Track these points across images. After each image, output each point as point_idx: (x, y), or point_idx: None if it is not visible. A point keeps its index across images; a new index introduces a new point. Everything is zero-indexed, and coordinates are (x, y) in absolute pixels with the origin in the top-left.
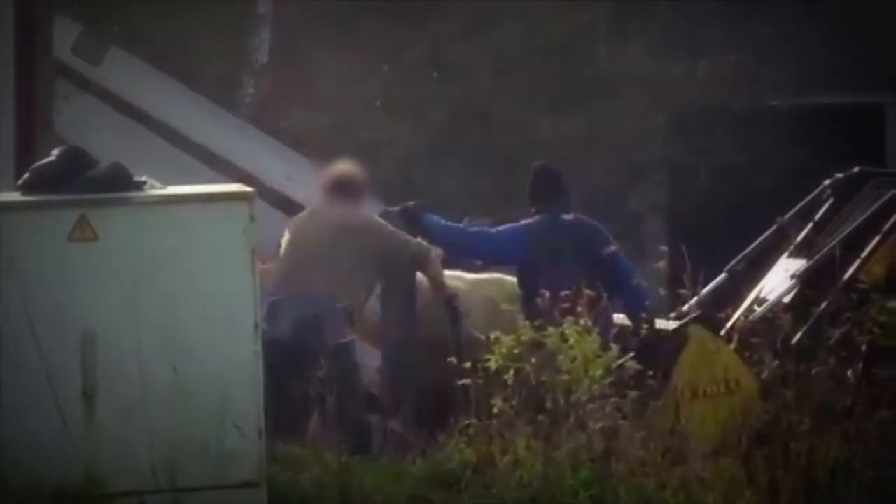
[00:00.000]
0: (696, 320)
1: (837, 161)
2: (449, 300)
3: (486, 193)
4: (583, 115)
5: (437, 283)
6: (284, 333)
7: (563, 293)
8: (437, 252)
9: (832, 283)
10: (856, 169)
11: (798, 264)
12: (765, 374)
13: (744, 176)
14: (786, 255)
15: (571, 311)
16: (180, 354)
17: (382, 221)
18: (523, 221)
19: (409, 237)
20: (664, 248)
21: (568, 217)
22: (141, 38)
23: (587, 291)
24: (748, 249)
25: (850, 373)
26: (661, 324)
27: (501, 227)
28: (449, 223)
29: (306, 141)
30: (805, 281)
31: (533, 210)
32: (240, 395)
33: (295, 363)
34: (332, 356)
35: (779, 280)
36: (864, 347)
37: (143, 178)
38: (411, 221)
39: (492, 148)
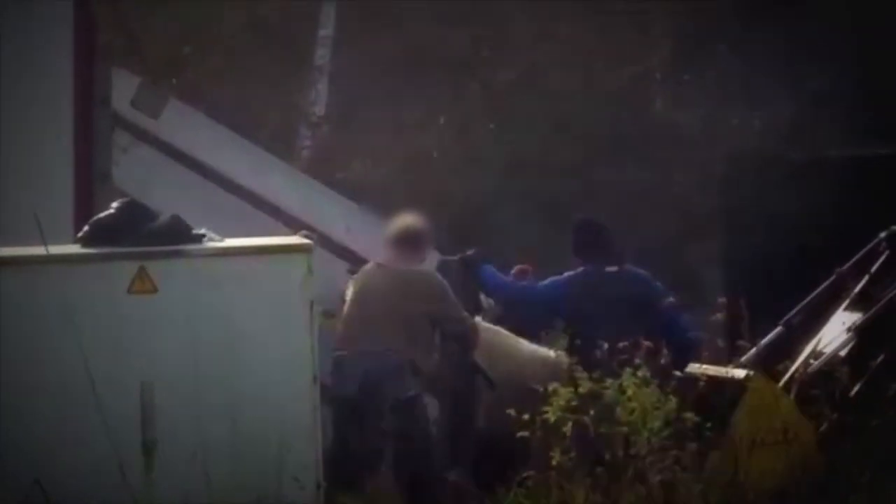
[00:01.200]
0: (754, 370)
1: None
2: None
3: (542, 243)
4: (639, 165)
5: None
6: (350, 389)
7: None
8: (488, 303)
9: (890, 336)
10: None
11: (855, 317)
12: (823, 426)
13: (801, 227)
14: (842, 307)
15: (629, 363)
16: (239, 406)
17: (446, 287)
18: (566, 274)
19: (466, 315)
20: (722, 299)
21: (612, 269)
22: (199, 90)
23: (645, 342)
24: (804, 302)
25: None
26: (718, 371)
27: (546, 281)
28: (501, 277)
29: (364, 192)
30: (862, 334)
31: (580, 263)
32: (298, 447)
33: (360, 418)
34: (398, 411)
35: (835, 333)
36: None
37: (202, 231)
38: (469, 271)
39: (548, 198)
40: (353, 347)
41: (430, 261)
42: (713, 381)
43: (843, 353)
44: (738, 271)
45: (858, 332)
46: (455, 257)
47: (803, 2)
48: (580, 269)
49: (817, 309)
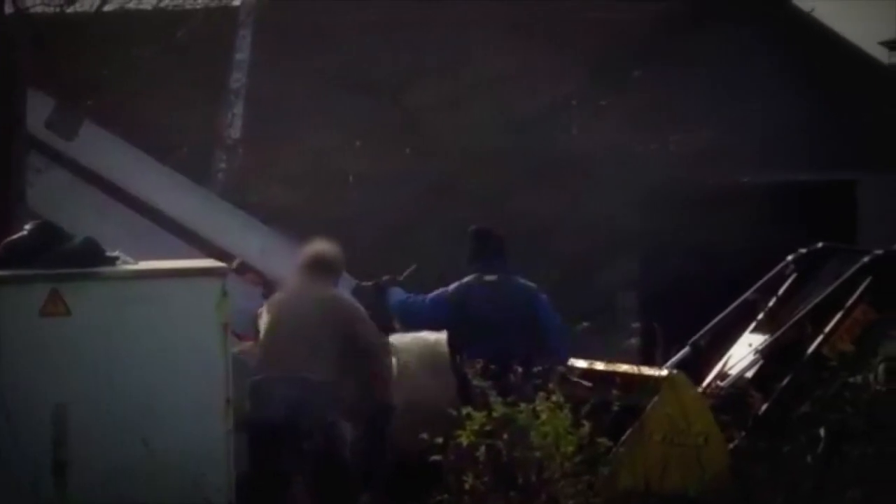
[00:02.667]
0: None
1: (809, 237)
2: (381, 401)
3: (458, 267)
4: (556, 191)
5: (379, 382)
6: (270, 413)
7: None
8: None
9: (796, 358)
10: (819, 244)
11: (762, 339)
12: (733, 444)
13: (716, 252)
14: (750, 329)
15: (544, 388)
16: (152, 428)
17: (359, 309)
18: (452, 285)
19: (379, 336)
20: (637, 324)
21: (491, 278)
22: (114, 112)
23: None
24: (711, 323)
25: (819, 450)
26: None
27: (433, 294)
28: (403, 296)
29: (279, 215)
30: (768, 356)
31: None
32: (211, 470)
33: (282, 443)
34: (318, 435)
35: (742, 354)
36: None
37: (116, 253)
38: (382, 295)
39: (465, 223)
40: (272, 372)
41: (345, 285)
42: (635, 378)
43: (749, 374)
44: (654, 296)
45: (764, 354)
46: (370, 283)
47: (718, 29)
48: (464, 279)
49: (725, 330)
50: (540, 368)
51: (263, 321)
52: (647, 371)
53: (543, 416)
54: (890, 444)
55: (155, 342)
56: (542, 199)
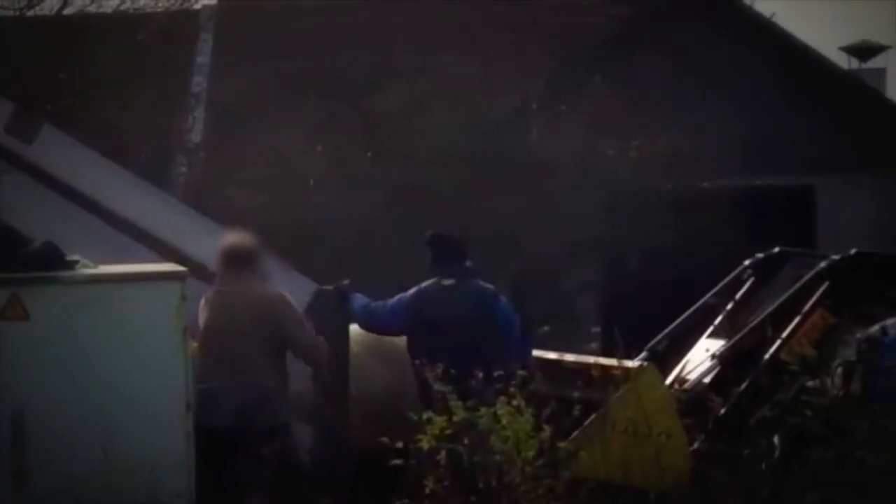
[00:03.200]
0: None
1: (769, 241)
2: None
3: (420, 272)
4: (516, 195)
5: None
6: (222, 420)
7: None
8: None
9: (754, 363)
10: (776, 249)
11: (719, 344)
12: (694, 446)
13: (676, 256)
14: (707, 334)
15: (504, 392)
16: (112, 433)
17: (293, 307)
18: (410, 290)
19: (314, 335)
20: (597, 328)
21: (449, 282)
22: (74, 116)
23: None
24: (669, 328)
25: (776, 455)
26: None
27: (393, 299)
28: (365, 301)
29: (240, 220)
30: (725, 360)
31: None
32: (171, 475)
33: (233, 449)
34: (271, 439)
35: (700, 359)
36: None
37: (75, 258)
38: (343, 300)
39: (427, 227)
40: (219, 378)
41: (306, 289)
42: (604, 369)
43: (707, 379)
44: (614, 300)
45: (721, 359)
46: (330, 287)
47: (679, 34)
48: (422, 284)
49: (683, 335)
50: (500, 372)
51: (201, 321)
52: (616, 363)
53: (504, 420)
54: (848, 448)
55: (114, 346)
56: (503, 203)
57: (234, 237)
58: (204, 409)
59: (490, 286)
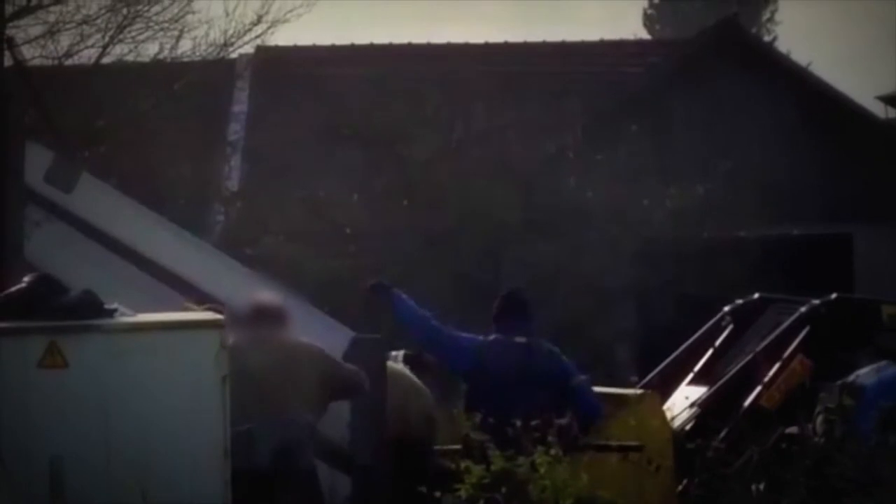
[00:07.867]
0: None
1: (806, 290)
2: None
3: (455, 320)
4: (551, 244)
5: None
6: (261, 461)
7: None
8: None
9: (734, 410)
10: (755, 295)
11: (698, 391)
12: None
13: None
14: (686, 381)
15: (542, 440)
16: (150, 481)
17: (325, 350)
18: (482, 337)
19: (354, 368)
20: (634, 377)
21: (520, 340)
22: (112, 164)
23: (558, 420)
24: (648, 377)
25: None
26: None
27: (466, 335)
28: (422, 311)
29: (276, 267)
30: (705, 408)
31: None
32: None
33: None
34: (302, 482)
35: (680, 406)
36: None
37: (114, 306)
38: (383, 298)
39: (462, 275)
40: (258, 419)
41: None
42: (617, 398)
43: (687, 427)
44: (651, 349)
45: (702, 406)
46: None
47: (716, 84)
48: (491, 336)
49: (664, 383)
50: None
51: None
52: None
53: (542, 470)
54: (827, 495)
55: (153, 394)
56: (538, 251)
57: (260, 297)
58: (239, 451)
59: (555, 348)
